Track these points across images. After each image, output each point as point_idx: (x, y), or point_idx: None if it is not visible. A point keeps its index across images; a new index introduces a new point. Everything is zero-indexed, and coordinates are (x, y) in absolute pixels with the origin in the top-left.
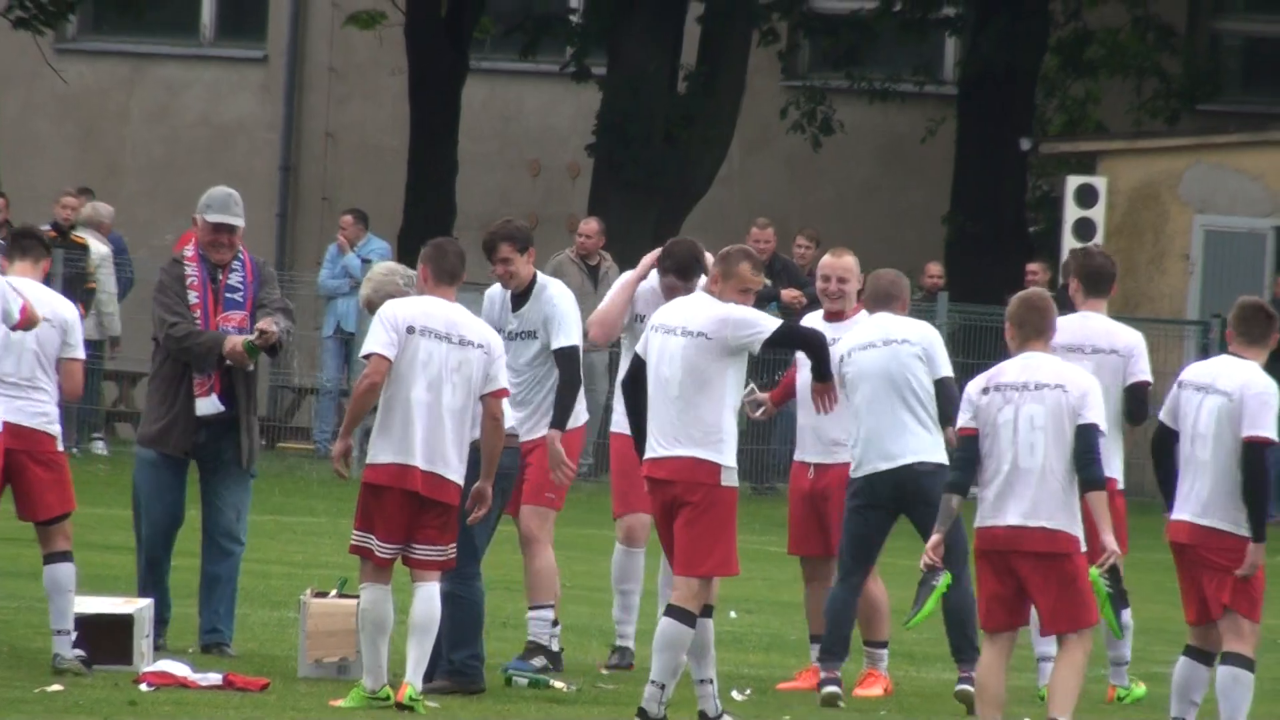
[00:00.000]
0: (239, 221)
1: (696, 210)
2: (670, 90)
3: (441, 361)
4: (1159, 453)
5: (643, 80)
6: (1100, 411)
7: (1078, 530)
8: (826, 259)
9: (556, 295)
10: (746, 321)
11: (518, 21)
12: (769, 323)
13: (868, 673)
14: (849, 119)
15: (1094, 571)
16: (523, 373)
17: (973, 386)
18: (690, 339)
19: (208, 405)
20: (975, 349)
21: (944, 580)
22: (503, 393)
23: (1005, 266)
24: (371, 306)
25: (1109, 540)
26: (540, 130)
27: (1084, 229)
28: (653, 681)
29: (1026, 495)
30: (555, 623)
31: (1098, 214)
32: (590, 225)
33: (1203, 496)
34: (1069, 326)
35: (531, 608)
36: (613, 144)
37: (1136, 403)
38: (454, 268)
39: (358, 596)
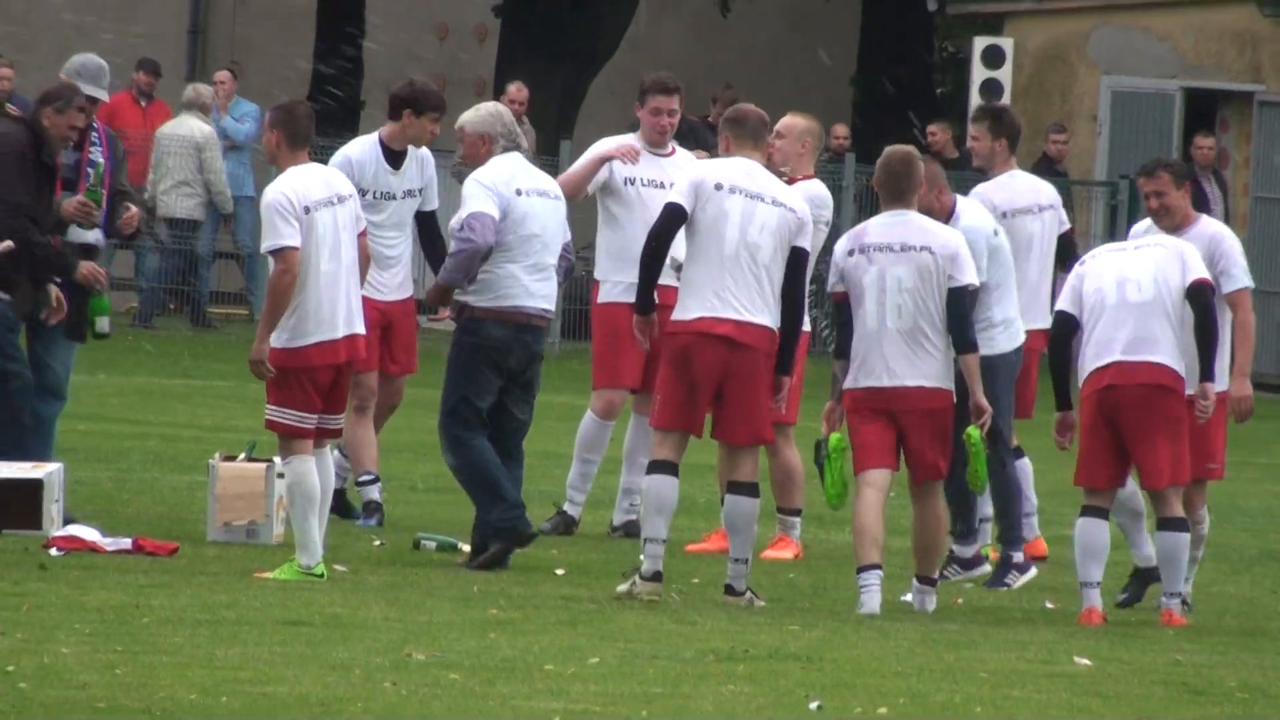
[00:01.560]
0: (105, 96)
1: (604, 72)
2: None
3: (335, 226)
4: (1062, 344)
5: None
6: (970, 271)
7: (949, 384)
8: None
9: (430, 158)
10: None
11: None
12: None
13: (779, 537)
14: None
15: (972, 431)
16: (407, 230)
17: (839, 248)
18: (782, 210)
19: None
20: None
21: (832, 442)
22: (365, 230)
23: (911, 128)
24: (464, 132)
25: (982, 401)
26: None
27: (991, 90)
28: (739, 560)
29: (897, 356)
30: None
31: (1005, 75)
32: (521, 91)
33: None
34: (1014, 186)
35: None
36: (520, 6)
37: (1069, 249)
38: (308, 130)
39: (268, 461)
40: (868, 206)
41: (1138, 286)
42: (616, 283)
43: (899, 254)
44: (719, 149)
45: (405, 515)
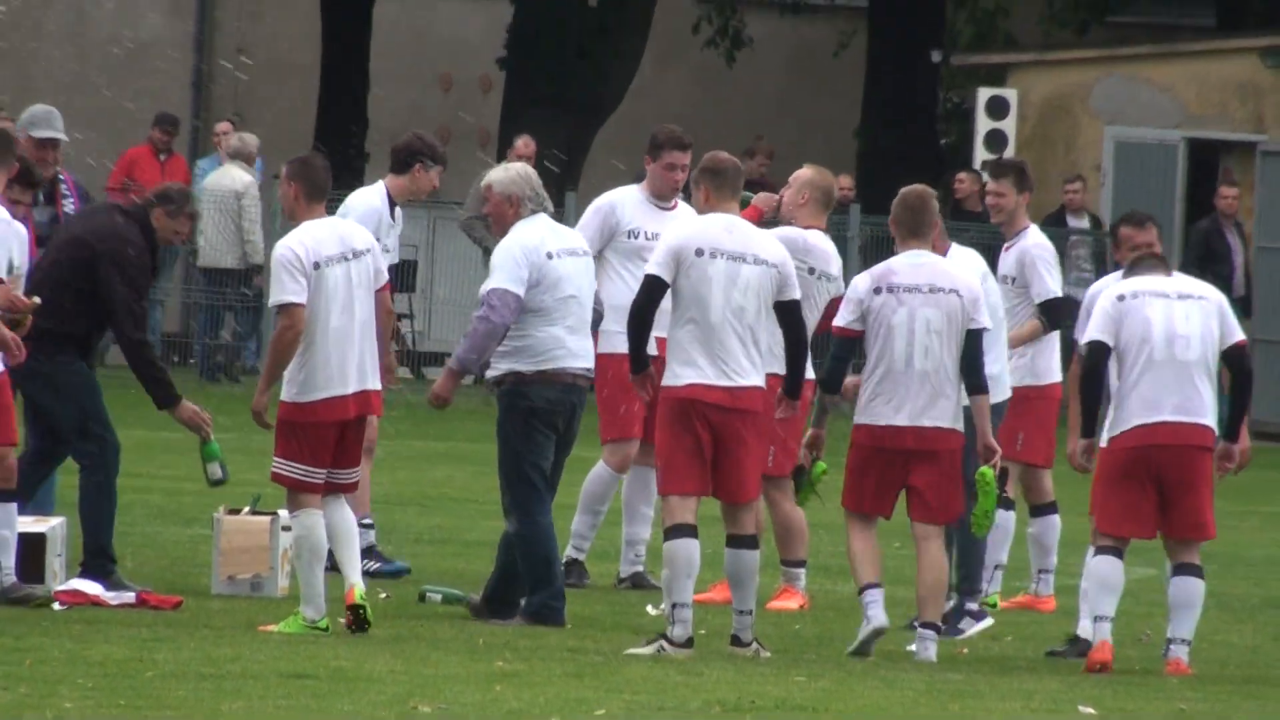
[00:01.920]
0: (63, 136)
1: (609, 124)
2: (581, 3)
3: (348, 281)
4: (1095, 371)
5: None
6: (986, 314)
7: (961, 425)
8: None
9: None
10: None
11: None
12: None
13: (784, 588)
14: (760, 31)
15: (986, 471)
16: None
17: (862, 285)
18: (763, 268)
19: None
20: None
21: (817, 469)
22: (388, 285)
23: (916, 178)
24: (490, 194)
25: (992, 442)
26: (452, 44)
27: (995, 141)
28: (744, 611)
29: (921, 395)
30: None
31: (1009, 126)
32: (529, 146)
33: (1198, 398)
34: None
35: None
36: (524, 57)
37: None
38: (325, 183)
39: (272, 514)
40: (872, 257)
41: (1186, 344)
42: (618, 333)
43: (928, 295)
44: (696, 200)
45: (412, 567)
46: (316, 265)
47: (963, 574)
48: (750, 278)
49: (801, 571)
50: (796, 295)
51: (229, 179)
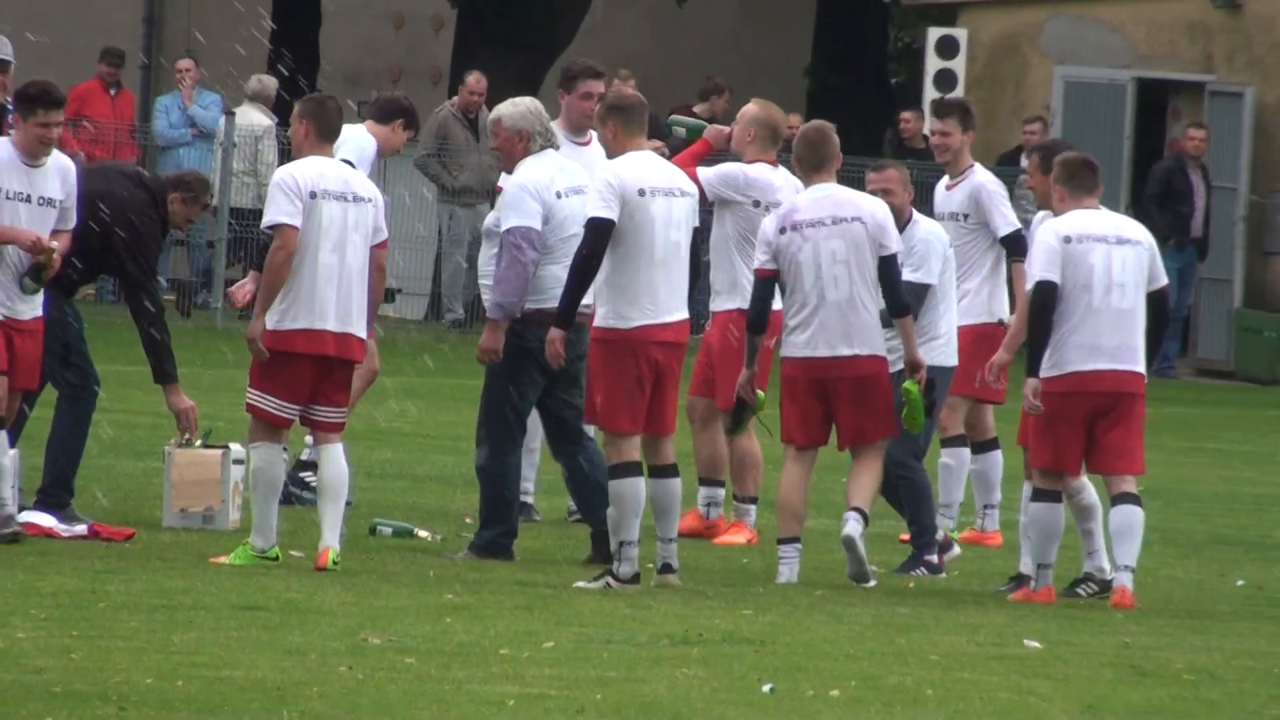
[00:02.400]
0: (11, 59)
1: (559, 61)
2: None
3: (342, 222)
4: (1048, 308)
5: None
6: (895, 238)
7: (882, 350)
8: (870, 174)
9: None
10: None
11: None
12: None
13: (734, 523)
14: None
15: (911, 386)
16: None
17: (768, 226)
18: (687, 199)
19: None
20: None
21: (758, 399)
22: (385, 243)
23: (865, 117)
24: (499, 127)
25: (918, 357)
26: None
27: (945, 80)
28: (671, 539)
29: (838, 327)
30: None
31: (959, 65)
32: (481, 82)
33: (1132, 344)
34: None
35: None
36: None
37: None
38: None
39: (223, 447)
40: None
41: (1122, 292)
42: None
43: (831, 227)
44: (603, 137)
45: (361, 501)
46: (313, 195)
47: (914, 530)
48: (681, 211)
49: (752, 507)
50: (696, 223)
51: (246, 121)
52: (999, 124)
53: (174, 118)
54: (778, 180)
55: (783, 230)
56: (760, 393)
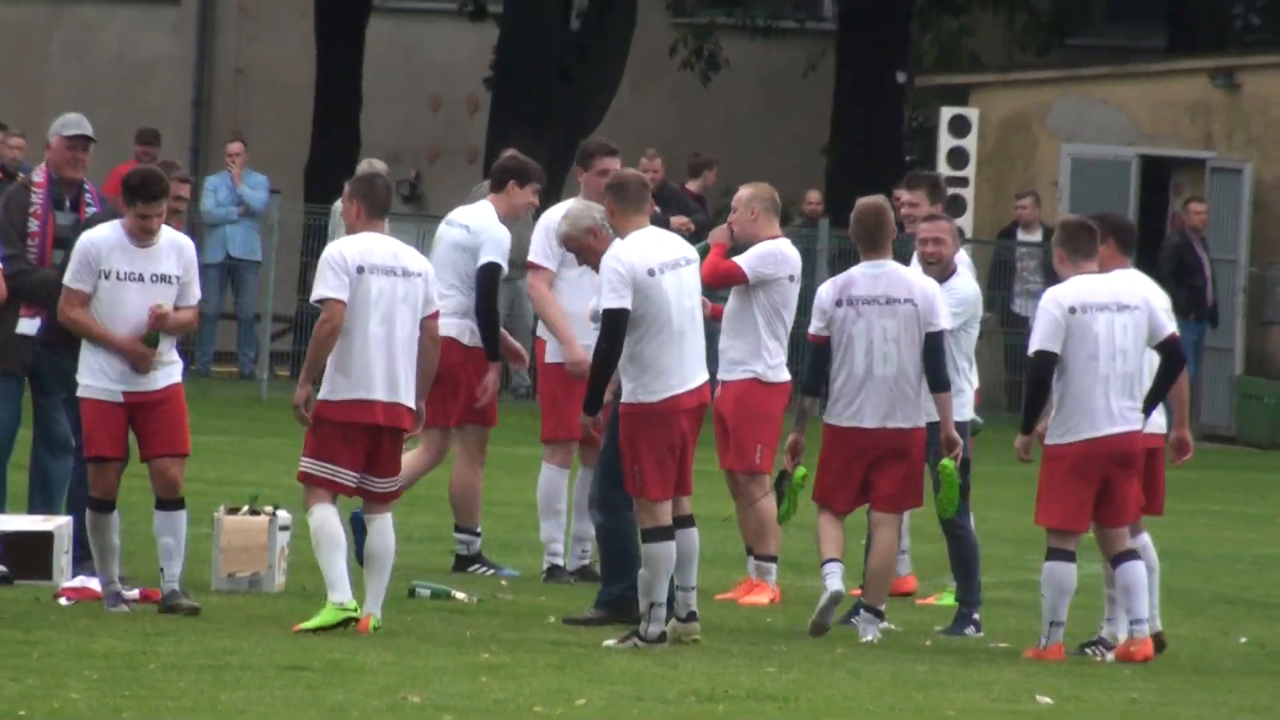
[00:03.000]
0: (92, 135)
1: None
2: (564, 27)
3: (391, 295)
4: (1045, 377)
5: (537, 18)
6: (945, 315)
7: (923, 423)
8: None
9: None
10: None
11: None
12: None
13: (756, 583)
14: (734, 54)
15: (948, 463)
16: None
17: (824, 295)
18: (693, 266)
19: (28, 326)
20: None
21: (798, 474)
22: (437, 314)
23: (883, 194)
24: (570, 242)
25: (954, 434)
26: (441, 66)
27: (957, 158)
28: (692, 587)
29: (884, 401)
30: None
31: (970, 143)
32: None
33: (1135, 405)
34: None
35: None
36: (509, 79)
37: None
38: (385, 201)
39: (270, 514)
40: (840, 268)
41: (1125, 358)
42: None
43: (885, 306)
44: (606, 215)
45: (400, 564)
46: (360, 270)
47: (965, 588)
48: (690, 280)
49: (773, 566)
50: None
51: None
52: (1009, 200)
53: (221, 196)
54: (795, 253)
55: (839, 303)
56: (801, 467)
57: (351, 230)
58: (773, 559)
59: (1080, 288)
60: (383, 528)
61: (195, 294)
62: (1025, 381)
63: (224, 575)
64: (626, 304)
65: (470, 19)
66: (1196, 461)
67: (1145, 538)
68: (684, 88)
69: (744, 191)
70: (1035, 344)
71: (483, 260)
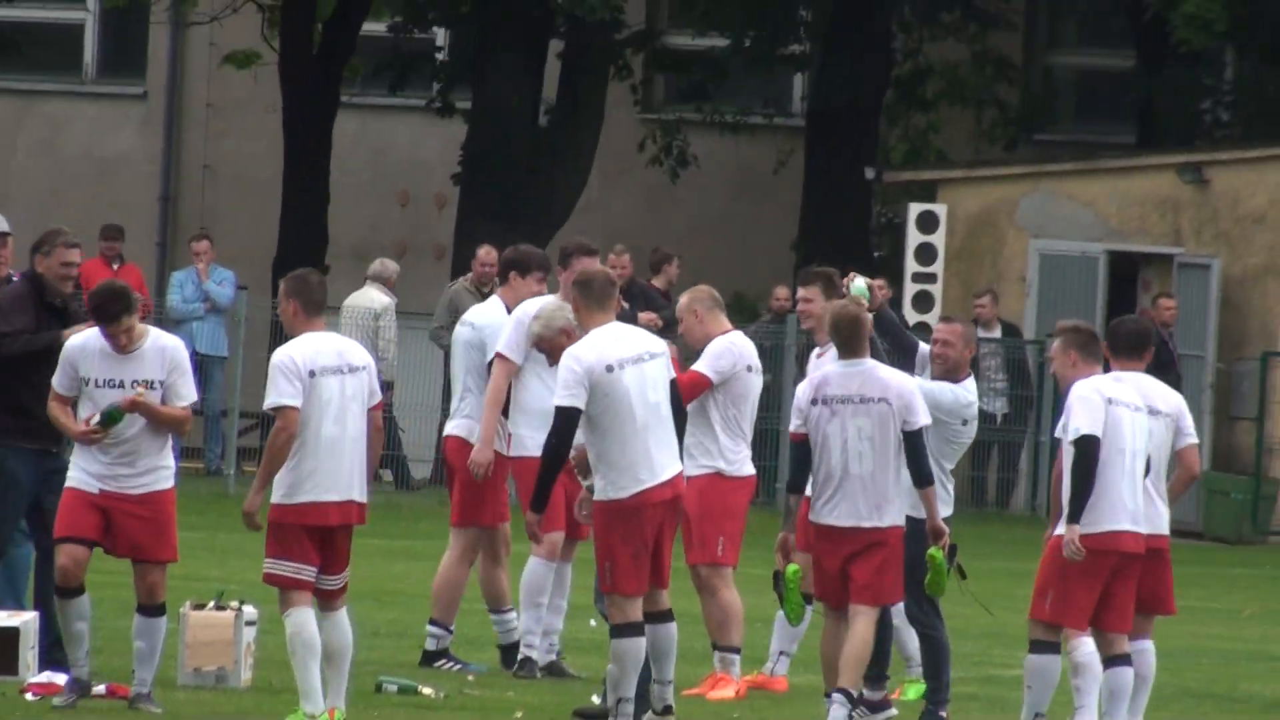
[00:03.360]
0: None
1: (558, 237)
2: (532, 123)
3: (341, 394)
4: (1093, 464)
5: (505, 114)
6: (924, 413)
7: (901, 519)
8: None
9: None
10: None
11: (386, 59)
12: None
13: (720, 676)
14: (702, 150)
15: (936, 552)
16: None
17: (802, 393)
18: (658, 359)
19: None
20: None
21: (790, 571)
22: (381, 404)
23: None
24: (542, 342)
25: (940, 525)
26: (408, 162)
27: (925, 254)
28: (670, 681)
29: (860, 499)
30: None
31: (938, 239)
32: (491, 254)
33: (1143, 509)
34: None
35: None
36: (477, 175)
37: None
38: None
39: (236, 609)
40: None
41: (1147, 463)
42: (530, 436)
43: (859, 405)
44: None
45: (368, 659)
46: (312, 374)
47: (933, 686)
48: (655, 373)
49: (736, 658)
50: (674, 375)
51: (367, 300)
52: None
53: (188, 292)
54: (749, 344)
55: (814, 401)
56: (793, 564)
57: (290, 329)
58: (736, 650)
59: (1110, 383)
60: (340, 622)
61: (185, 395)
62: (1073, 470)
63: (190, 670)
64: (578, 403)
65: (438, 115)
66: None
67: (1149, 644)
68: (653, 183)
69: (682, 300)
70: (1082, 429)
71: (491, 354)
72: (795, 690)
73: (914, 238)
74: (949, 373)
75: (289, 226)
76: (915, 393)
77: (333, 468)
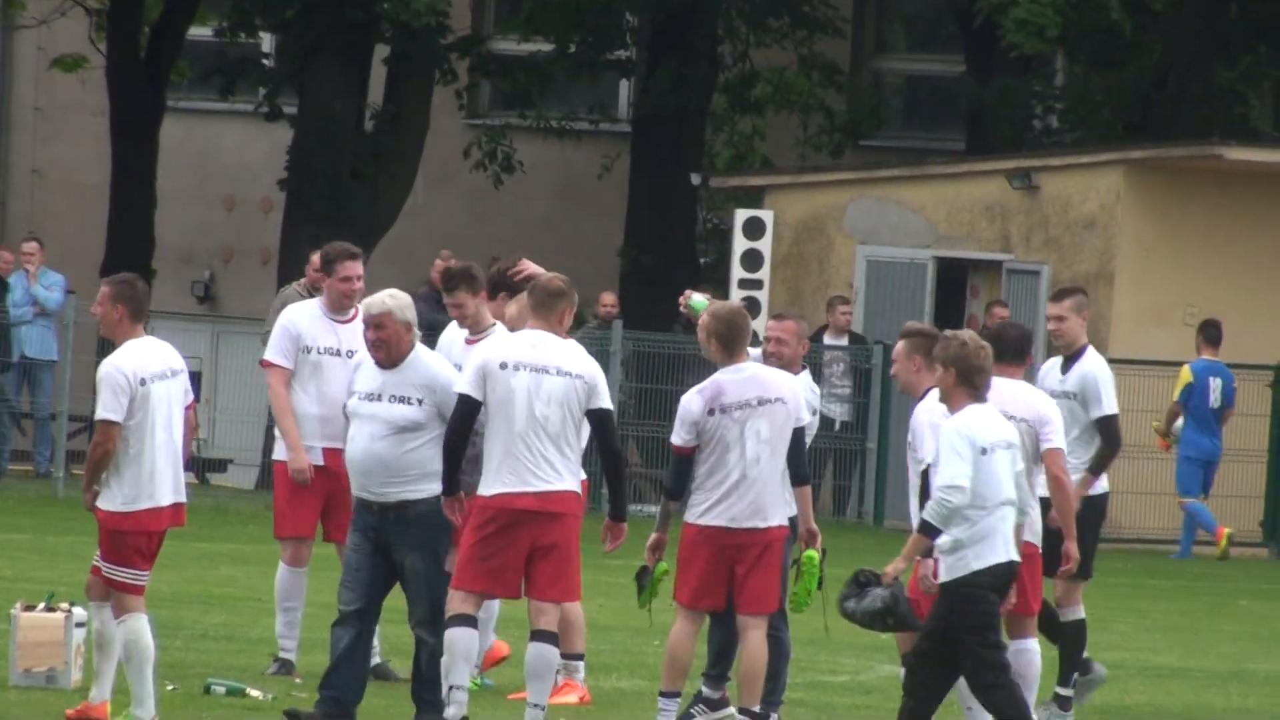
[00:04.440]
0: None
1: (383, 242)
2: (357, 128)
3: (168, 399)
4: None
5: (331, 119)
6: (806, 411)
7: (785, 519)
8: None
9: None
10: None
11: (214, 64)
12: None
13: (564, 683)
14: (528, 155)
15: (812, 554)
16: None
17: (695, 407)
18: (568, 379)
19: None
20: (647, 374)
21: (659, 569)
22: (194, 404)
23: (676, 296)
24: (392, 318)
25: (814, 526)
26: (235, 167)
27: (752, 260)
28: (541, 705)
29: (749, 499)
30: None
31: (765, 245)
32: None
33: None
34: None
35: None
36: (302, 180)
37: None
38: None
39: (66, 610)
40: (633, 370)
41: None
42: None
43: (757, 408)
44: (504, 313)
45: (196, 661)
46: (143, 382)
47: (767, 687)
48: (554, 388)
49: (581, 664)
50: (605, 405)
51: None
52: (804, 301)
53: (17, 296)
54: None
55: (711, 412)
56: (662, 562)
57: (113, 335)
58: (579, 657)
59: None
60: (143, 628)
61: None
62: (1106, 445)
63: (21, 670)
64: (473, 393)
65: (265, 120)
66: None
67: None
68: (479, 188)
69: (511, 309)
70: (1111, 408)
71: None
72: (624, 696)
73: (740, 243)
74: (785, 368)
75: (116, 230)
76: (799, 390)
77: (167, 472)
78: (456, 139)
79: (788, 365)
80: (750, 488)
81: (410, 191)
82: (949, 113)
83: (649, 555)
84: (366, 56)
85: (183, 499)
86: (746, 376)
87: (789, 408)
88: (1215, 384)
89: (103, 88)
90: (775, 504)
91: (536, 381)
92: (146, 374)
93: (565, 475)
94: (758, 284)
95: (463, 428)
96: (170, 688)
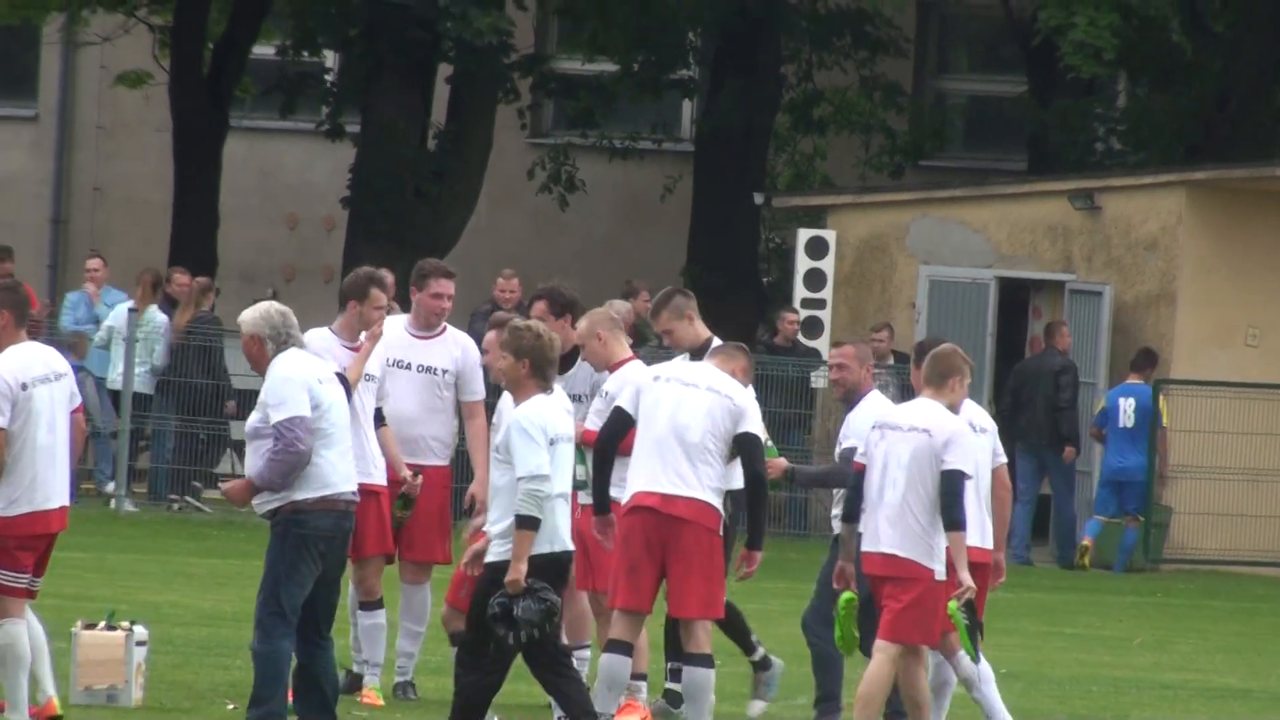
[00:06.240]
0: None
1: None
2: (420, 147)
3: (51, 401)
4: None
5: (394, 138)
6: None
7: (930, 563)
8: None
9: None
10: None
11: (276, 82)
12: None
13: (627, 702)
14: (591, 175)
15: (952, 605)
16: None
17: (869, 424)
18: (716, 395)
19: None
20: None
21: (841, 601)
22: (81, 407)
23: (739, 315)
24: (241, 331)
25: (965, 577)
26: (297, 185)
27: (815, 279)
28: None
29: (883, 525)
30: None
31: (828, 265)
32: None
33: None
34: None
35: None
36: (365, 199)
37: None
38: (28, 309)
39: (126, 629)
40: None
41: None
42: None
43: (905, 433)
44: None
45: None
46: (24, 386)
47: (821, 694)
48: (699, 402)
49: (644, 685)
50: (752, 430)
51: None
52: (867, 321)
53: (80, 314)
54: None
55: (876, 427)
56: (847, 591)
57: None
58: (642, 676)
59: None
60: (34, 618)
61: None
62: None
63: (81, 688)
64: (629, 408)
65: (328, 138)
66: (1052, 584)
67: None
68: (541, 208)
69: (581, 323)
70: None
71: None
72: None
73: (803, 263)
74: (849, 394)
75: (179, 248)
76: (960, 435)
77: (50, 476)
78: (519, 159)
79: (853, 389)
80: (885, 513)
81: (473, 210)
82: (1011, 133)
83: (835, 582)
84: (430, 75)
85: (65, 502)
86: (915, 406)
87: (933, 441)
88: (1127, 404)
89: (165, 105)
90: (915, 540)
91: (682, 393)
92: (28, 378)
93: (699, 485)
94: (820, 303)
95: (616, 440)
96: (230, 706)
